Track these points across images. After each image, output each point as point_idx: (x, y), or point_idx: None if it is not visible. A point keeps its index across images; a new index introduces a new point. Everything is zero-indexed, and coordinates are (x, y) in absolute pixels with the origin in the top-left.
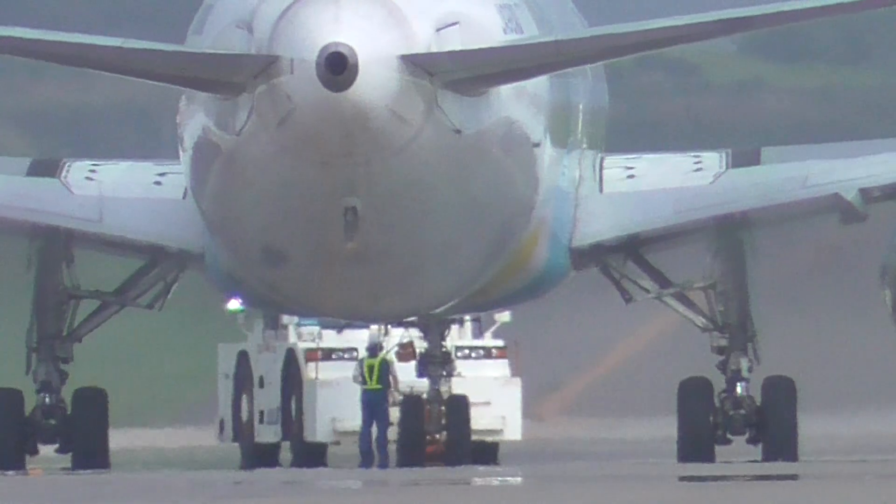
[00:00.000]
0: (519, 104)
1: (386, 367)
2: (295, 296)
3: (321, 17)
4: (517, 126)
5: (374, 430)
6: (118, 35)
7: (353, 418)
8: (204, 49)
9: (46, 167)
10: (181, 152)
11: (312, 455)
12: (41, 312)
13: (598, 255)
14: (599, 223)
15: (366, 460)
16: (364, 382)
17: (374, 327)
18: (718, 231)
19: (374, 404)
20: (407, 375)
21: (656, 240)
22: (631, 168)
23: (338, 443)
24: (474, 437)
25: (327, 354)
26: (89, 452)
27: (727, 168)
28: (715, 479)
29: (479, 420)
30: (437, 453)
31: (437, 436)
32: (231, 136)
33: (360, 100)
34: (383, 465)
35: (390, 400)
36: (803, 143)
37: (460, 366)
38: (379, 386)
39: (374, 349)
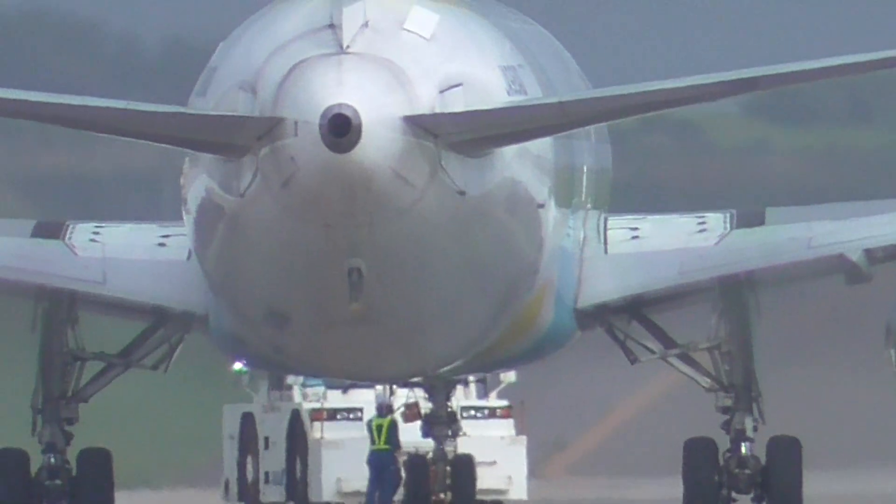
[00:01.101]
0: (523, 165)
1: (395, 426)
2: (299, 357)
3: (325, 78)
4: (521, 187)
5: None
6: (122, 98)
7: (358, 478)
8: (208, 111)
9: (50, 229)
10: (185, 214)
11: None
12: (46, 374)
13: (603, 316)
14: (604, 284)
15: None
16: (373, 442)
17: (381, 387)
18: (723, 291)
19: (382, 465)
20: (412, 436)
21: (661, 300)
22: (635, 229)
23: None
24: (480, 497)
25: (332, 414)
26: None
27: (731, 229)
28: None
29: (485, 480)
30: None
31: (443, 495)
32: (235, 197)
33: (363, 161)
34: None
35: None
36: (808, 203)
37: (465, 425)
38: (387, 446)
39: (382, 409)
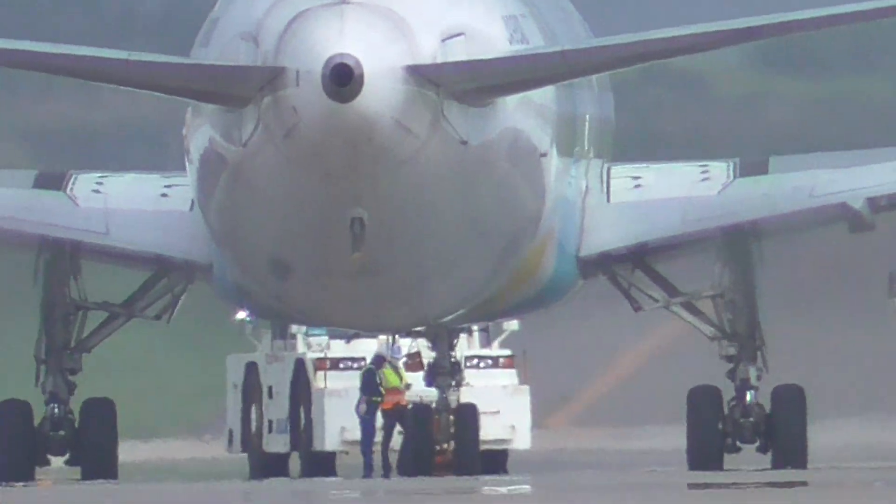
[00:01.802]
0: (525, 115)
1: (371, 376)
2: (301, 307)
3: (327, 28)
4: (524, 136)
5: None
6: (124, 48)
7: None
8: (210, 61)
9: (52, 180)
10: (187, 164)
11: (321, 464)
12: (49, 324)
13: (606, 265)
14: (607, 233)
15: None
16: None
17: (383, 339)
18: (726, 240)
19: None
20: (415, 386)
21: (664, 249)
22: (638, 178)
23: (347, 452)
24: (483, 447)
25: (336, 364)
26: (98, 464)
27: (735, 178)
28: (724, 487)
29: (488, 429)
30: (445, 463)
31: (446, 445)
32: (237, 148)
33: (365, 111)
34: (368, 474)
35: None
36: (810, 152)
37: (468, 375)
38: (378, 397)
39: (379, 360)
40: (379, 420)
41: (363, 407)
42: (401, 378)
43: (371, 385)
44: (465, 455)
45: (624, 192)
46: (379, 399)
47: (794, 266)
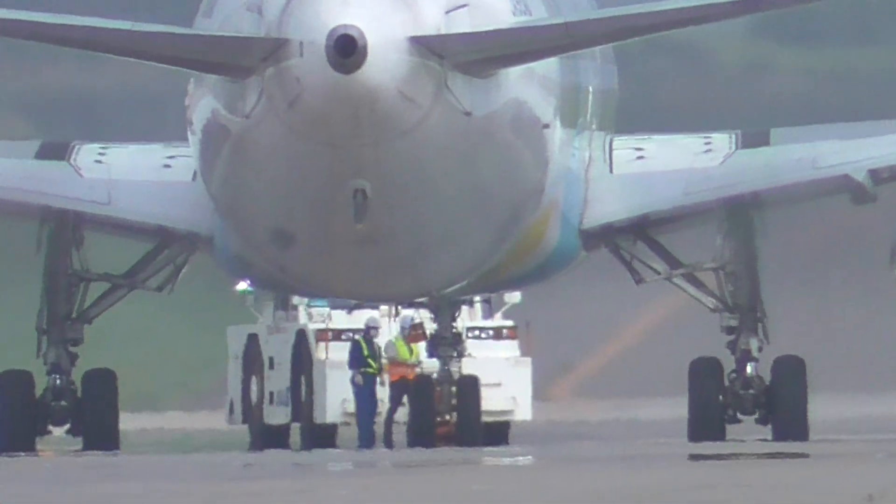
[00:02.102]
0: (528, 86)
1: (357, 348)
2: (304, 277)
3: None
4: (527, 108)
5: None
6: (127, 18)
7: None
8: (213, 32)
9: (55, 150)
10: (190, 135)
11: (322, 436)
12: (51, 295)
13: (608, 237)
14: (609, 204)
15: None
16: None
17: (384, 310)
18: (728, 212)
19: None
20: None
21: (666, 221)
22: (640, 149)
23: (348, 424)
24: (485, 418)
25: (338, 335)
26: (100, 434)
27: (737, 149)
28: (725, 458)
29: (490, 401)
30: (447, 434)
31: (448, 416)
32: (240, 118)
33: (369, 82)
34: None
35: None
36: (813, 123)
37: (470, 346)
38: (374, 369)
39: (369, 331)
40: (384, 392)
41: (359, 377)
42: (411, 352)
43: (357, 357)
44: (466, 427)
45: (626, 164)
46: (370, 371)
47: (796, 238)
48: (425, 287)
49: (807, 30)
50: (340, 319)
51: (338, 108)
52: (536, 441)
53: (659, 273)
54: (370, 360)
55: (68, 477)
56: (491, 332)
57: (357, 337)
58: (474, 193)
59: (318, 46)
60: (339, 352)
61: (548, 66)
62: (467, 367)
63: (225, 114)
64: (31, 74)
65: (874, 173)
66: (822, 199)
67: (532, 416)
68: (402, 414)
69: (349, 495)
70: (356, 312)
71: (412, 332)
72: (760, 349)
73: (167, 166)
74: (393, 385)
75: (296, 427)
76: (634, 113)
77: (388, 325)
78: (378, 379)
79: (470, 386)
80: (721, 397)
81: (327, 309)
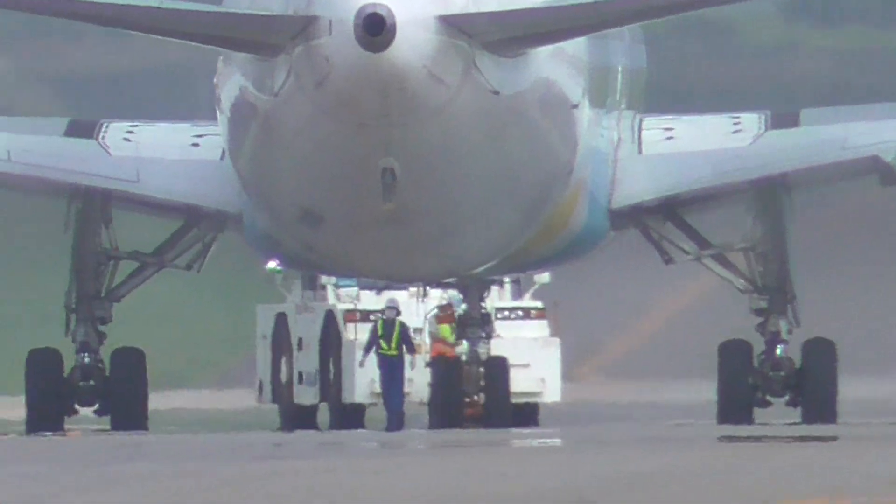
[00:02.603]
0: (557, 65)
1: (405, 330)
2: (332, 256)
3: None
4: (555, 87)
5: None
6: None
7: None
8: (242, 10)
9: (84, 128)
10: (219, 114)
11: (350, 416)
12: (80, 273)
13: (637, 217)
14: (638, 184)
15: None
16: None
17: (406, 291)
18: (757, 193)
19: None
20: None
21: (695, 201)
22: (670, 129)
23: (375, 404)
24: (513, 399)
25: (366, 316)
26: (128, 414)
27: (766, 130)
28: (754, 440)
29: (519, 382)
30: (475, 415)
31: (476, 397)
32: (269, 97)
33: (397, 61)
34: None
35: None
36: (842, 104)
37: (499, 326)
38: (396, 351)
39: (389, 312)
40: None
41: (362, 358)
42: (452, 332)
43: (370, 339)
44: (495, 408)
45: (655, 144)
46: (384, 351)
47: (826, 219)
48: (454, 267)
49: (837, 11)
50: (369, 300)
51: (366, 88)
52: (565, 422)
53: (688, 253)
54: (382, 342)
55: (98, 456)
56: (520, 313)
57: (380, 318)
58: (503, 173)
59: (346, 25)
60: (367, 332)
61: (576, 45)
62: (496, 347)
63: (254, 92)
64: (59, 52)
65: None
66: (852, 181)
67: (560, 397)
68: (424, 393)
69: (374, 476)
70: (385, 293)
71: (440, 314)
72: (790, 331)
73: (195, 145)
74: (432, 362)
75: (324, 407)
76: (663, 93)
77: (415, 305)
78: (407, 359)
79: (498, 367)
80: (750, 379)
81: (356, 289)
